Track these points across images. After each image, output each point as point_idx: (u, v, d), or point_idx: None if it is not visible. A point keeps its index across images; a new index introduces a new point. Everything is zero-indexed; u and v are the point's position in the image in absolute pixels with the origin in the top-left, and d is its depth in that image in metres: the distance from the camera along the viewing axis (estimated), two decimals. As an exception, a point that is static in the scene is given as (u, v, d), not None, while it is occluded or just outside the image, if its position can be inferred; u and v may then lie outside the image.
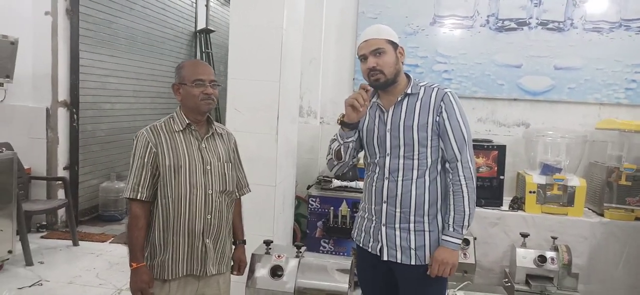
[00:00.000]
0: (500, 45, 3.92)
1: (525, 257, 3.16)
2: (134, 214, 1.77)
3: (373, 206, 1.92)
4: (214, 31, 7.20)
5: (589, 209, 3.60)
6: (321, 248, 3.58)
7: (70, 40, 4.64)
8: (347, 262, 2.22)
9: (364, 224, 1.98)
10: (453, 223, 1.82)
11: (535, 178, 3.47)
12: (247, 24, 2.80)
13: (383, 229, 1.89)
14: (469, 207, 1.81)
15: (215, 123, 1.94)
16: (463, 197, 1.81)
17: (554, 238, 3.22)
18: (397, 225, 1.87)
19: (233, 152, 1.98)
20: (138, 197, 1.76)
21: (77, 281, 3.53)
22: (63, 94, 4.64)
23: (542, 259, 3.11)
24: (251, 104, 2.81)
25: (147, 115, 5.95)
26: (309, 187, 3.82)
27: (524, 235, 3.23)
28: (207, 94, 1.80)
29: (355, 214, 3.51)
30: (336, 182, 3.70)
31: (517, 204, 3.55)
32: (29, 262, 3.75)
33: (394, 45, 1.87)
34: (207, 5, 7.24)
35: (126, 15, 5.44)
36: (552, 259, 3.12)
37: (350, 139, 1.92)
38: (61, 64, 4.57)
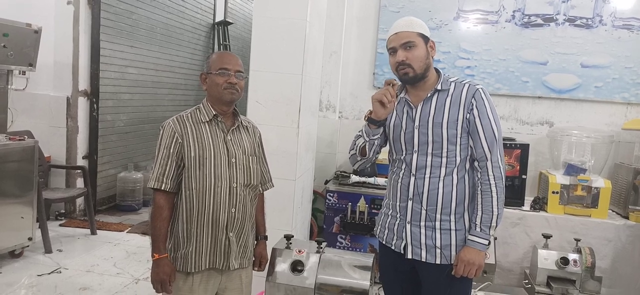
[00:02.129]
0: (525, 42, 3.83)
1: (547, 259, 3.10)
2: (157, 205, 1.76)
3: (398, 203, 1.88)
4: (232, 23, 7.20)
5: (613, 211, 3.51)
6: (338, 244, 3.56)
7: (92, 30, 4.67)
8: (368, 259, 2.19)
9: (388, 221, 1.94)
10: (480, 223, 1.77)
11: (559, 178, 3.39)
12: (271, 16, 2.77)
13: (408, 226, 1.85)
14: (498, 208, 1.76)
15: (241, 116, 1.92)
16: (492, 197, 1.76)
17: (577, 240, 3.15)
18: (422, 223, 1.83)
19: (258, 145, 1.95)
20: (162, 188, 1.74)
21: (95, 270, 3.56)
22: (83, 84, 4.67)
23: (564, 260, 3.05)
24: (273, 97, 2.79)
25: (165, 106, 5.98)
26: (326, 182, 3.80)
27: (546, 236, 3.16)
28: (230, 83, 1.77)
29: (373, 211, 3.51)
30: (354, 178, 3.67)
31: (539, 204, 3.48)
32: (48, 250, 3.79)
33: (425, 38, 1.81)
34: (225, -3, 7.24)
35: (146, 6, 5.46)
36: (575, 261, 3.05)
37: (376, 136, 1.88)
38: (82, 54, 4.60)
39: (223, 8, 7.20)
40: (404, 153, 1.87)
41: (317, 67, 3.30)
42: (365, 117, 1.88)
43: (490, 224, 1.77)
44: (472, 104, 1.77)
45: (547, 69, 3.82)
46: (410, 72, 1.79)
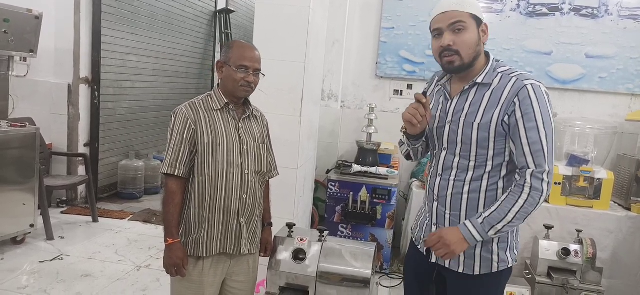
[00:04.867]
0: (530, 31, 3.80)
1: (548, 249, 3.09)
2: (170, 190, 1.76)
3: (427, 202, 1.76)
4: (234, 11, 7.15)
5: (616, 202, 3.50)
6: (339, 233, 3.56)
7: (93, 16, 4.64)
8: (370, 248, 2.18)
9: (420, 220, 1.81)
10: (486, 216, 1.52)
11: (561, 169, 3.37)
12: (274, 3, 2.74)
13: (433, 228, 1.69)
14: (515, 215, 1.49)
15: (252, 105, 1.94)
16: (516, 202, 1.49)
17: (579, 231, 3.15)
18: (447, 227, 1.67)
19: (266, 134, 1.98)
20: (175, 173, 1.75)
21: (97, 257, 3.57)
22: (85, 71, 4.65)
23: (565, 251, 3.04)
24: (275, 85, 2.77)
25: (167, 94, 5.96)
26: (328, 172, 3.79)
27: (548, 227, 3.16)
28: (247, 81, 1.78)
29: (374, 200, 3.50)
30: (356, 167, 3.67)
31: (541, 195, 3.47)
32: (49, 237, 3.81)
33: (479, 21, 1.53)
34: (227, -15, 7.18)
35: (147, -7, 5.42)
36: (576, 252, 3.04)
37: (417, 145, 1.75)
38: (83, 41, 4.58)
39: (225, -4, 7.16)
40: (436, 148, 1.71)
41: (320, 55, 3.28)
42: (402, 129, 1.70)
43: (495, 224, 1.51)
44: (515, 104, 1.48)
45: (551, 59, 3.80)
46: (457, 61, 1.52)
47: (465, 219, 1.60)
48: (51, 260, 3.44)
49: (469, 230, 1.54)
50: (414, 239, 1.83)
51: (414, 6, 3.90)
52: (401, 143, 1.85)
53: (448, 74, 1.63)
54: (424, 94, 1.60)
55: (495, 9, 3.83)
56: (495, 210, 1.52)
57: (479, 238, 1.53)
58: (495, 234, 1.52)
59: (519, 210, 1.49)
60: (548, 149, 1.48)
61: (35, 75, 4.41)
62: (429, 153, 1.83)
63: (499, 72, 1.55)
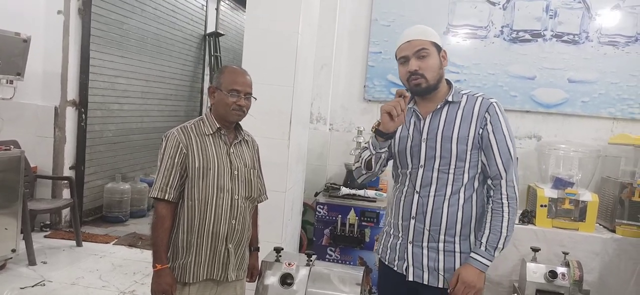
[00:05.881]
0: (513, 57, 3.88)
1: (536, 272, 3.10)
2: (160, 215, 1.76)
3: (400, 221, 1.80)
4: (223, 35, 7.20)
5: (601, 224, 3.54)
6: (327, 256, 3.54)
7: (81, 39, 4.65)
8: (358, 272, 2.16)
9: (390, 241, 1.85)
10: (486, 242, 1.67)
11: (547, 192, 3.41)
12: (263, 28, 2.78)
13: (409, 246, 1.76)
14: (507, 229, 1.67)
15: (243, 130, 1.95)
16: (502, 217, 1.67)
17: (565, 253, 3.17)
18: (424, 244, 1.74)
19: (257, 159, 1.99)
20: (166, 198, 1.74)
21: (80, 282, 3.50)
22: (72, 94, 4.63)
23: (552, 274, 3.05)
24: (264, 108, 2.76)
25: (155, 117, 5.94)
26: (316, 194, 3.79)
27: (535, 250, 3.17)
28: (239, 105, 1.81)
29: (363, 223, 3.50)
30: (344, 190, 3.67)
31: (528, 217, 3.50)
32: (32, 262, 3.72)
33: (438, 48, 1.73)
34: (217, 9, 7.25)
35: (137, 17, 5.44)
36: (563, 274, 3.05)
37: (383, 150, 1.76)
38: (71, 64, 4.57)
39: (214, 19, 7.22)
40: (409, 167, 1.78)
41: (308, 79, 3.31)
42: (372, 128, 1.74)
43: (497, 245, 1.67)
44: (486, 119, 1.69)
45: (535, 84, 3.88)
46: (423, 83, 1.69)
47: (471, 253, 1.71)
48: (33, 286, 3.36)
49: (480, 262, 1.68)
50: (386, 262, 1.86)
51: (401, 31, 3.94)
52: (364, 149, 1.86)
53: (415, 96, 1.79)
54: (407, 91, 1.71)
55: (480, 35, 3.92)
56: (490, 232, 1.69)
57: (489, 264, 1.68)
58: (499, 253, 1.69)
59: (508, 223, 1.68)
60: (514, 158, 1.71)
61: (22, 98, 4.38)
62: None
63: (463, 93, 1.76)
